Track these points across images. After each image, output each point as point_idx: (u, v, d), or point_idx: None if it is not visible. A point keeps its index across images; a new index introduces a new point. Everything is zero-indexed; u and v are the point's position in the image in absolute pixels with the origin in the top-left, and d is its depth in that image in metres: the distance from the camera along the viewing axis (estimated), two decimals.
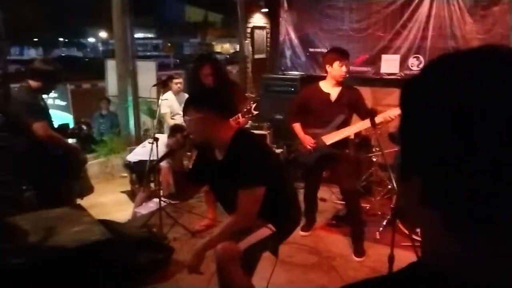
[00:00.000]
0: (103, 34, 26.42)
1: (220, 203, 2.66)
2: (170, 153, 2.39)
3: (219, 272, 2.30)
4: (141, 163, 4.91)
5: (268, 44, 6.27)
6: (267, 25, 6.23)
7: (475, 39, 4.84)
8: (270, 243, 2.36)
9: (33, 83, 3.37)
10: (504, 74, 0.47)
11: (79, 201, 4.29)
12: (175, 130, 5.09)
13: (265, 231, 2.30)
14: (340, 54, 3.52)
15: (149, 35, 28.13)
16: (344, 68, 3.50)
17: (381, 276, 0.61)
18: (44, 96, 3.64)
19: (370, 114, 3.03)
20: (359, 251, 3.64)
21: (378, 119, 3.23)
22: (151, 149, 4.19)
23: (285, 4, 5.99)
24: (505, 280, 0.50)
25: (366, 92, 5.27)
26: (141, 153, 5.03)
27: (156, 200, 5.03)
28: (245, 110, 3.35)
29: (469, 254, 0.51)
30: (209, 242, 2.26)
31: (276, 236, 2.35)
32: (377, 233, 3.94)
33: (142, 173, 4.85)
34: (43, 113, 3.49)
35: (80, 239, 2.82)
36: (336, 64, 3.50)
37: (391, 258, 2.59)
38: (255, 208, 2.21)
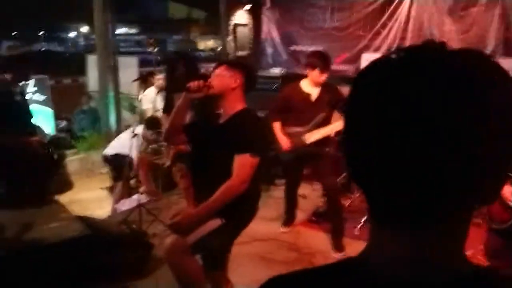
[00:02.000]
0: (84, 29, 26.00)
1: (196, 174, 2.53)
2: (186, 91, 2.33)
3: (170, 267, 2.31)
4: (119, 156, 4.86)
5: (250, 41, 6.27)
6: (250, 23, 6.23)
7: (453, 40, 4.93)
8: (220, 236, 2.29)
9: (6, 76, 3.33)
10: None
11: (57, 197, 4.26)
12: (151, 123, 5.09)
13: (214, 223, 2.25)
14: (322, 61, 3.54)
15: (132, 31, 27.79)
16: (323, 77, 3.55)
17: (317, 267, 0.63)
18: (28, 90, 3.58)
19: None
20: (339, 247, 3.68)
21: None
22: (131, 144, 4.17)
23: (268, 2, 6.00)
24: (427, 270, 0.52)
25: (346, 91, 5.32)
26: (117, 146, 4.97)
27: (136, 196, 5.02)
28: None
29: (389, 245, 0.54)
30: (203, 208, 2.22)
31: (227, 229, 2.29)
32: (356, 229, 4.00)
33: (120, 167, 4.80)
34: (17, 108, 3.44)
35: (58, 235, 2.79)
36: (317, 70, 3.53)
37: None
38: (250, 174, 2.19)
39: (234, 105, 2.33)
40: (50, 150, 3.67)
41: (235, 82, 2.30)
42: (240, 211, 2.34)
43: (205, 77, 2.37)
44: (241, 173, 2.18)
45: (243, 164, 2.18)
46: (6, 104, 3.45)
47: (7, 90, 3.41)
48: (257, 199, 2.47)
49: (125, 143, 4.76)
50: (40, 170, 3.62)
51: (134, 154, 4.75)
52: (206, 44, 23.77)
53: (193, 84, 2.27)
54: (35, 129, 3.67)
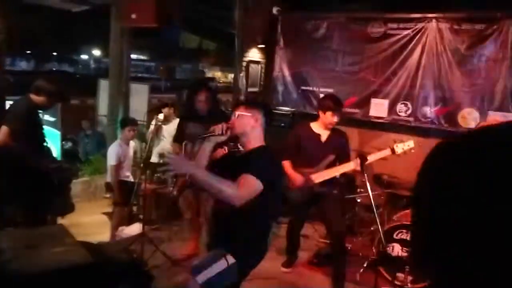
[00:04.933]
0: (96, 52, 26.49)
1: (214, 207, 2.56)
2: (210, 135, 2.37)
3: None
4: (123, 183, 4.89)
5: (262, 78, 6.40)
6: (262, 60, 6.38)
7: (460, 91, 5.03)
8: (230, 275, 2.28)
9: (35, 98, 3.42)
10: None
11: (59, 219, 4.24)
12: (123, 121, 5.18)
13: (223, 263, 2.24)
14: (335, 105, 3.64)
15: (142, 57, 28.32)
16: (335, 118, 3.63)
17: None
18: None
19: (361, 158, 3.11)
20: None
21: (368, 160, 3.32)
22: (140, 173, 4.19)
23: (281, 42, 6.16)
24: None
25: (353, 133, 5.39)
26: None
27: (137, 224, 4.99)
28: (232, 143, 3.36)
29: None
30: (197, 172, 2.19)
31: (236, 269, 2.28)
32: (358, 274, 3.96)
33: (123, 193, 4.80)
34: (35, 128, 3.51)
35: (60, 261, 2.77)
36: (329, 113, 3.62)
37: None
38: (247, 194, 2.17)
39: (254, 142, 2.41)
40: (58, 175, 3.69)
41: (255, 121, 2.40)
42: (250, 251, 2.34)
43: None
44: (240, 188, 2.17)
45: (245, 180, 2.18)
46: (36, 126, 3.53)
47: (36, 111, 3.50)
48: (267, 238, 2.47)
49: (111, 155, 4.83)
50: (48, 193, 3.63)
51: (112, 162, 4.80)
52: (214, 74, 24.15)
53: (218, 127, 2.34)
54: (48, 151, 3.71)
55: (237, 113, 2.43)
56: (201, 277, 2.21)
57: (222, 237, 2.37)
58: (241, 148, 2.50)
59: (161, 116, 5.52)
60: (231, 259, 2.24)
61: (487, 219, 0.45)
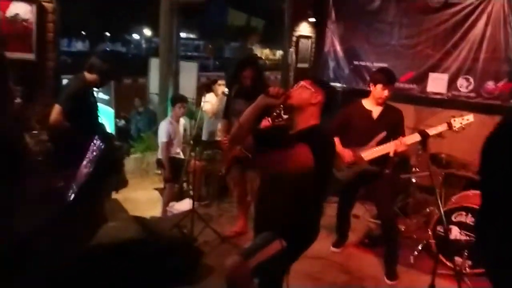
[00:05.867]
0: (147, 32, 27.03)
1: (262, 181, 2.49)
2: (264, 95, 2.27)
3: None
4: (173, 159, 4.97)
5: (312, 54, 6.22)
6: (313, 35, 6.18)
7: None
8: (282, 259, 2.21)
9: (88, 76, 3.50)
10: None
11: (114, 194, 4.39)
12: (173, 99, 5.20)
13: (275, 246, 2.18)
14: (386, 78, 3.46)
15: (191, 36, 28.59)
16: (386, 92, 3.45)
17: None
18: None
19: (422, 135, 2.93)
20: (392, 275, 3.51)
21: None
22: (190, 150, 4.22)
23: (333, 15, 5.93)
24: None
25: (409, 110, 5.13)
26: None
27: (187, 200, 5.08)
28: (275, 114, 3.27)
29: None
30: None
31: (289, 252, 2.21)
32: (412, 257, 3.81)
33: (174, 170, 4.88)
34: (88, 106, 3.60)
35: (114, 235, 2.84)
36: (380, 86, 3.45)
37: None
38: (304, 160, 2.08)
39: (308, 120, 2.27)
40: (112, 152, 3.77)
41: (315, 98, 2.25)
42: (302, 234, 2.26)
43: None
44: (297, 153, 2.09)
45: (301, 150, 2.09)
46: (88, 104, 3.63)
47: (88, 89, 3.60)
48: (319, 220, 2.38)
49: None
50: (101, 170, 3.73)
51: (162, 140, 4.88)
52: (263, 52, 23.95)
53: (273, 89, 2.24)
54: (103, 128, 3.82)
55: (299, 84, 2.32)
56: (253, 261, 2.16)
57: (271, 219, 2.30)
58: (284, 118, 2.39)
59: (211, 96, 5.53)
60: (283, 243, 2.18)
61: None
